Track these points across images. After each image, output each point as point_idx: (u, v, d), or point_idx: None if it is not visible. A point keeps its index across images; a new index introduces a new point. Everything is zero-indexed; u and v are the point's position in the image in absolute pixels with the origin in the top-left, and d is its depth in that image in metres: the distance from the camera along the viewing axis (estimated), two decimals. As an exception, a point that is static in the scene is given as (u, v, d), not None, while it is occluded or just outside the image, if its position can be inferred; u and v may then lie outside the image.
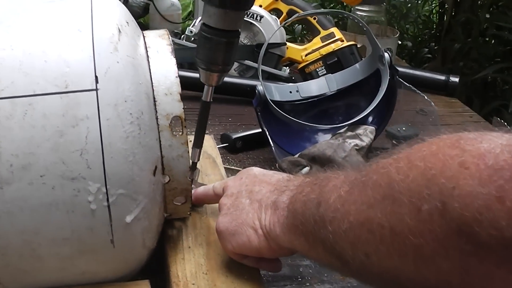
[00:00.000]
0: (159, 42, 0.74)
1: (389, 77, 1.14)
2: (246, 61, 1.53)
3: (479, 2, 2.83)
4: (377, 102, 1.14)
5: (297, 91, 1.23)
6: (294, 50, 1.56)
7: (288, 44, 1.57)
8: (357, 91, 1.23)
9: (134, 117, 0.64)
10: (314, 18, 1.54)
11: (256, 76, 1.34)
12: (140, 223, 0.67)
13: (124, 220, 0.65)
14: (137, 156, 0.64)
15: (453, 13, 2.89)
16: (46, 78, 0.61)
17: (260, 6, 1.56)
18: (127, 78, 0.65)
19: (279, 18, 1.57)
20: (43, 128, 0.60)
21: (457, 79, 1.58)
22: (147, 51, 0.73)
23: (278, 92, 1.21)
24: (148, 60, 0.72)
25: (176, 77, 0.71)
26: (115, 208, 0.63)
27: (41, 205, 0.61)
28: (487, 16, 2.72)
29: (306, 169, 1.03)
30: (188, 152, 0.72)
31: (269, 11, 1.58)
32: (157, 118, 0.69)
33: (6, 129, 0.60)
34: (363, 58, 1.40)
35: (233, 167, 1.15)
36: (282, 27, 1.52)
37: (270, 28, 1.52)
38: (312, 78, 1.42)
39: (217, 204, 0.79)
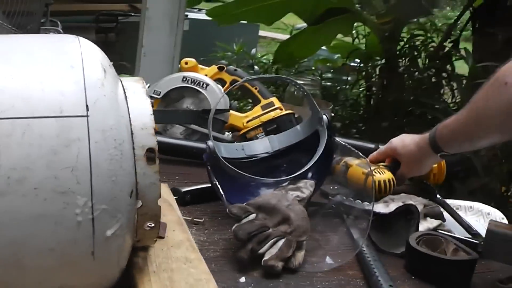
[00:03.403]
0: (135, 85, 0.84)
1: (327, 137, 1.27)
2: (192, 125, 1.63)
3: (405, 84, 3.07)
4: (315, 159, 1.26)
5: (243, 149, 1.34)
6: (237, 117, 1.68)
7: (231, 111, 1.69)
8: (298, 149, 1.35)
9: (117, 143, 0.73)
10: (256, 88, 1.67)
11: (201, 139, 1.45)
12: (117, 240, 0.74)
13: (105, 234, 0.72)
14: (119, 177, 0.73)
15: (380, 96, 3.11)
16: (43, 104, 0.70)
17: (206, 75, 1.69)
18: (112, 110, 0.74)
19: (223, 87, 1.70)
20: (39, 147, 0.69)
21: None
22: (125, 92, 0.82)
23: (225, 150, 1.31)
24: (126, 99, 0.81)
25: (151, 114, 0.81)
26: (98, 222, 0.71)
27: (31, 216, 0.69)
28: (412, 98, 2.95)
29: (253, 215, 1.12)
30: (159, 180, 0.80)
31: (214, 80, 1.70)
32: (134, 148, 0.78)
33: (6, 146, 0.68)
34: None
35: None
36: (226, 96, 1.64)
37: (215, 95, 1.63)
38: (253, 143, 1.54)
39: (176, 238, 0.87)
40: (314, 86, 1.93)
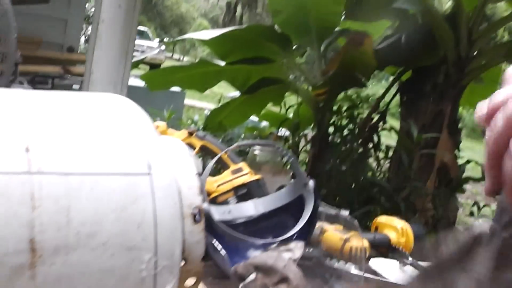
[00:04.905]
0: (175, 145, 0.87)
1: (313, 202, 1.32)
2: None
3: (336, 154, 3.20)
4: (303, 223, 1.30)
5: (230, 212, 1.37)
6: (208, 181, 1.70)
7: (201, 175, 1.71)
8: (283, 212, 1.39)
9: (174, 201, 0.76)
10: (225, 153, 1.71)
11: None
12: (171, 296, 0.76)
13: (164, 289, 0.74)
14: (176, 235, 0.75)
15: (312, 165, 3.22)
16: (110, 163, 0.72)
17: (176, 140, 1.71)
18: (168, 170, 0.77)
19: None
20: (107, 202, 0.70)
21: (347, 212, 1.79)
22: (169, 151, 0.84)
23: (215, 211, 1.34)
24: (172, 158, 0.83)
25: (196, 174, 0.83)
26: (160, 278, 0.73)
27: (99, 270, 0.69)
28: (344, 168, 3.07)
29: (253, 275, 1.14)
30: (204, 239, 0.82)
31: (184, 145, 1.72)
32: (182, 207, 0.80)
33: (76, 201, 0.69)
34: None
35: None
36: (198, 160, 1.67)
37: (188, 159, 1.66)
38: (225, 207, 1.56)
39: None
40: (275, 155, 1.98)
